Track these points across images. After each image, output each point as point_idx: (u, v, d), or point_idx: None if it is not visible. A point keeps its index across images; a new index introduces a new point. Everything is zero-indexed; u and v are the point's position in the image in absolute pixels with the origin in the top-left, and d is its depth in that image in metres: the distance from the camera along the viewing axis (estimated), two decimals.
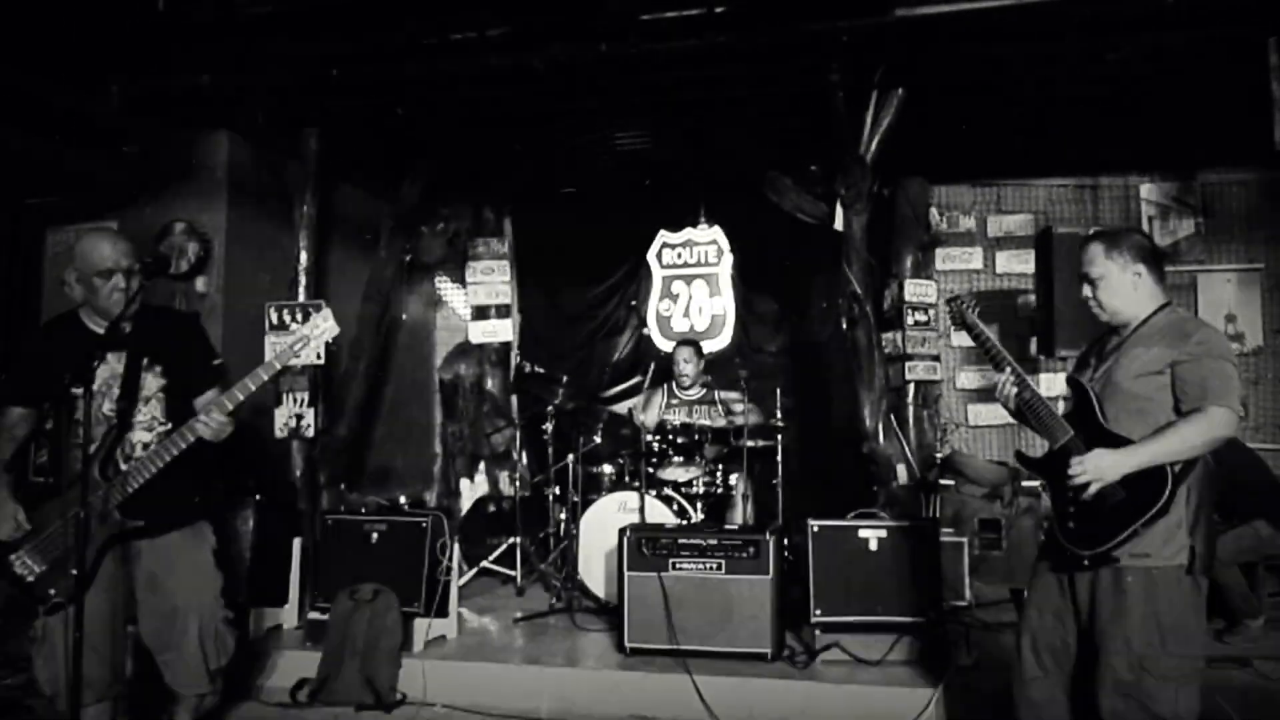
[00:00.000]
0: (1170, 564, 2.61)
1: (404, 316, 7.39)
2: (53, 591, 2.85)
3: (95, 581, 2.90)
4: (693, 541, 4.35)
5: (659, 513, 5.18)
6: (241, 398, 2.92)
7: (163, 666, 3.07)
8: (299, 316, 5.50)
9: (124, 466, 2.94)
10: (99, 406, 2.95)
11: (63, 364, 2.85)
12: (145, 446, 2.98)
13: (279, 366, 2.98)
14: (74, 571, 2.71)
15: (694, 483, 5.58)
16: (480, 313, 7.52)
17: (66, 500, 2.87)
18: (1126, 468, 2.62)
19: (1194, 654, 2.66)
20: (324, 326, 3.01)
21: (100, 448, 2.91)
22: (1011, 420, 3.08)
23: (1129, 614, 2.60)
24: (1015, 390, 2.91)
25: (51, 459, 3.04)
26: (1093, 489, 2.66)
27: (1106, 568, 2.65)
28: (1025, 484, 5.49)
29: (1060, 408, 2.87)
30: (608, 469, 5.83)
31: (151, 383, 3.02)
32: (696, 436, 5.65)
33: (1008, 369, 2.94)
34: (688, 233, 7.66)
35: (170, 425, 3.00)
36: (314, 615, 4.57)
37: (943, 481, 5.53)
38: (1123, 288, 2.79)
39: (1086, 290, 2.86)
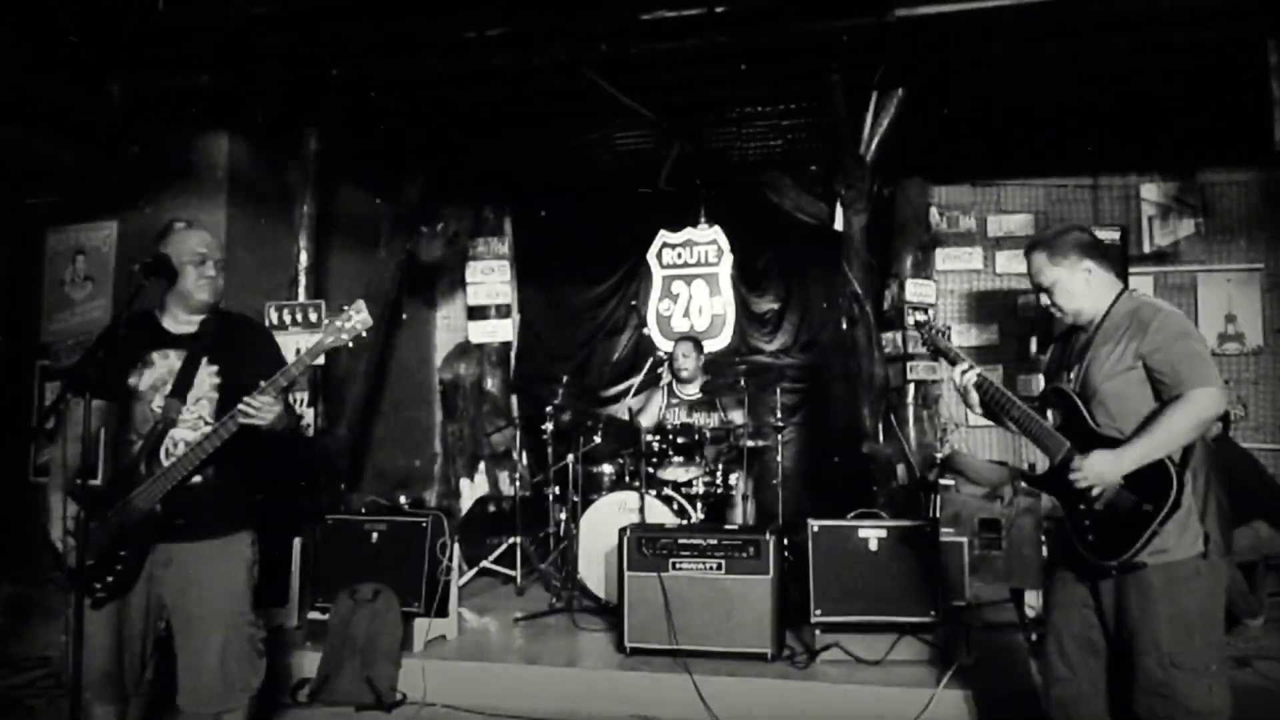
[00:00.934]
0: (1189, 555, 2.61)
1: (404, 316, 7.39)
2: (97, 585, 2.83)
3: (138, 577, 2.89)
4: (693, 541, 4.35)
5: (659, 513, 5.18)
6: (284, 383, 2.89)
7: (179, 677, 2.98)
8: (299, 316, 5.51)
9: (165, 463, 2.90)
10: (150, 403, 2.94)
11: (127, 359, 2.91)
12: (188, 444, 2.93)
13: (310, 361, 2.97)
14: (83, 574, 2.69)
15: (694, 483, 5.58)
16: (480, 313, 7.51)
17: (112, 496, 2.87)
18: (1125, 466, 2.61)
19: (1219, 642, 2.67)
20: (358, 319, 2.97)
21: (145, 444, 2.90)
22: None
23: (1155, 613, 2.59)
24: (995, 404, 2.92)
25: (111, 455, 3.00)
26: (1095, 492, 2.65)
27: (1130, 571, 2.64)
28: (1025, 484, 5.49)
29: (1050, 419, 2.86)
30: (608, 469, 5.83)
31: (205, 381, 2.99)
32: (696, 436, 5.64)
33: (997, 395, 2.93)
34: (688, 233, 7.67)
35: None
36: (314, 615, 4.57)
37: (943, 481, 5.52)
38: (1077, 288, 2.80)
39: (1044, 299, 2.87)
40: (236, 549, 3.04)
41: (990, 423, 3.32)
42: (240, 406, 2.83)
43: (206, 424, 2.95)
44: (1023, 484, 5.05)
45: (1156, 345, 2.63)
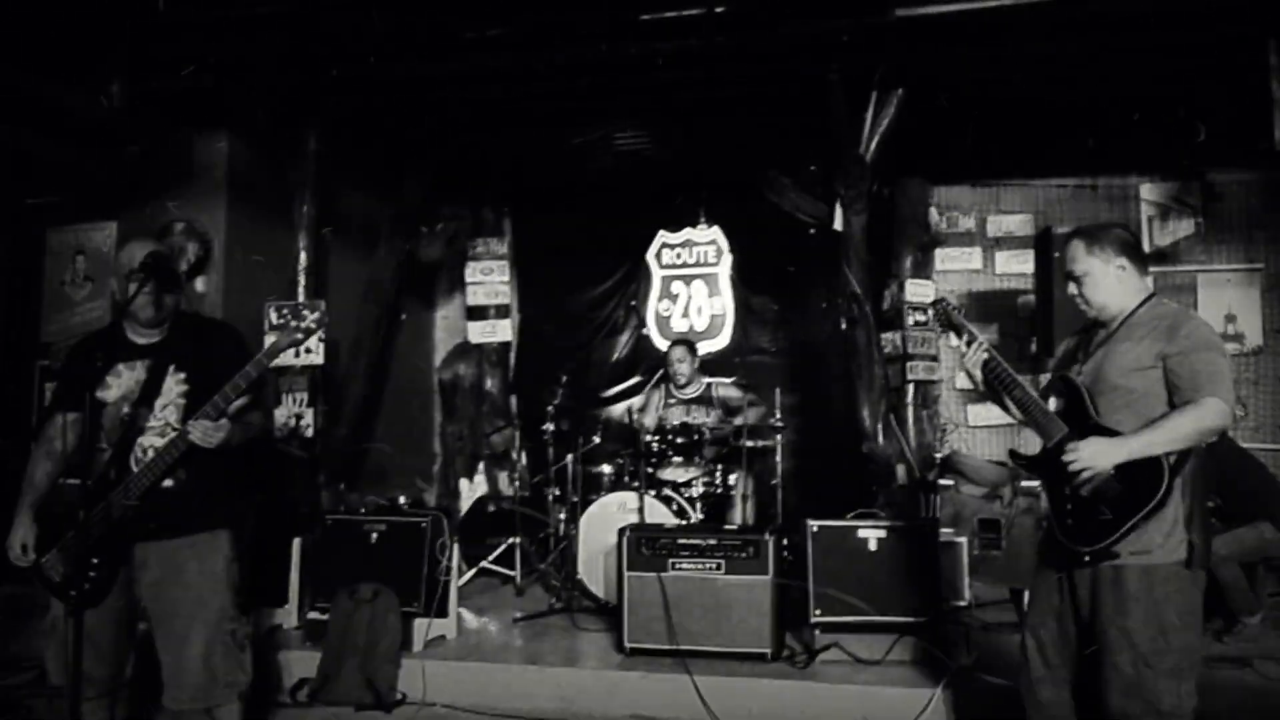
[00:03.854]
0: (1170, 560, 2.63)
1: (404, 316, 7.39)
2: (73, 593, 2.84)
3: (115, 581, 2.93)
4: (692, 541, 4.34)
5: (658, 513, 5.18)
6: (223, 405, 2.89)
7: (163, 675, 3.02)
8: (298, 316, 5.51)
9: (134, 469, 2.95)
10: (119, 413, 2.98)
11: (94, 372, 2.94)
12: (156, 450, 2.97)
13: (267, 364, 2.97)
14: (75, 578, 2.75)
15: (693, 483, 5.57)
16: (479, 313, 7.52)
17: (85, 504, 2.88)
18: (1120, 456, 2.63)
19: (1194, 647, 2.68)
20: (311, 318, 3.00)
21: (115, 452, 2.94)
22: (1011, 420, 3.08)
23: (1131, 612, 2.62)
24: (999, 385, 2.93)
25: (80, 464, 3.01)
26: (1085, 476, 2.66)
27: (1107, 565, 2.66)
28: (1025, 484, 5.48)
29: (1052, 405, 2.87)
30: (607, 469, 5.82)
31: (173, 388, 3.02)
32: (695, 436, 5.64)
33: (1009, 380, 2.93)
34: (687, 233, 7.66)
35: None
36: (314, 615, 4.57)
37: (942, 481, 5.52)
38: (1107, 282, 2.81)
39: (1072, 288, 2.88)
40: (212, 547, 3.06)
41: (989, 423, 3.32)
42: (186, 429, 2.86)
43: (173, 430, 2.98)
44: (1035, 484, 5.04)
45: (1181, 349, 2.65)
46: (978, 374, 2.97)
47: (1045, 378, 6.32)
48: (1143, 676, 2.59)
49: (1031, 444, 2.92)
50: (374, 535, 4.65)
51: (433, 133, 6.40)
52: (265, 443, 5.63)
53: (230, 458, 3.11)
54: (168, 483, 2.96)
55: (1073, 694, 2.81)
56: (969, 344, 3.00)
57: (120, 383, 3.01)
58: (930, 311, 3.43)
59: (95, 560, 2.88)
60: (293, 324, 2.99)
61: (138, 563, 2.99)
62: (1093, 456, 2.65)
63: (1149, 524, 2.60)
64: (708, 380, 6.36)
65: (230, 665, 3.04)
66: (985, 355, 2.95)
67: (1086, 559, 2.68)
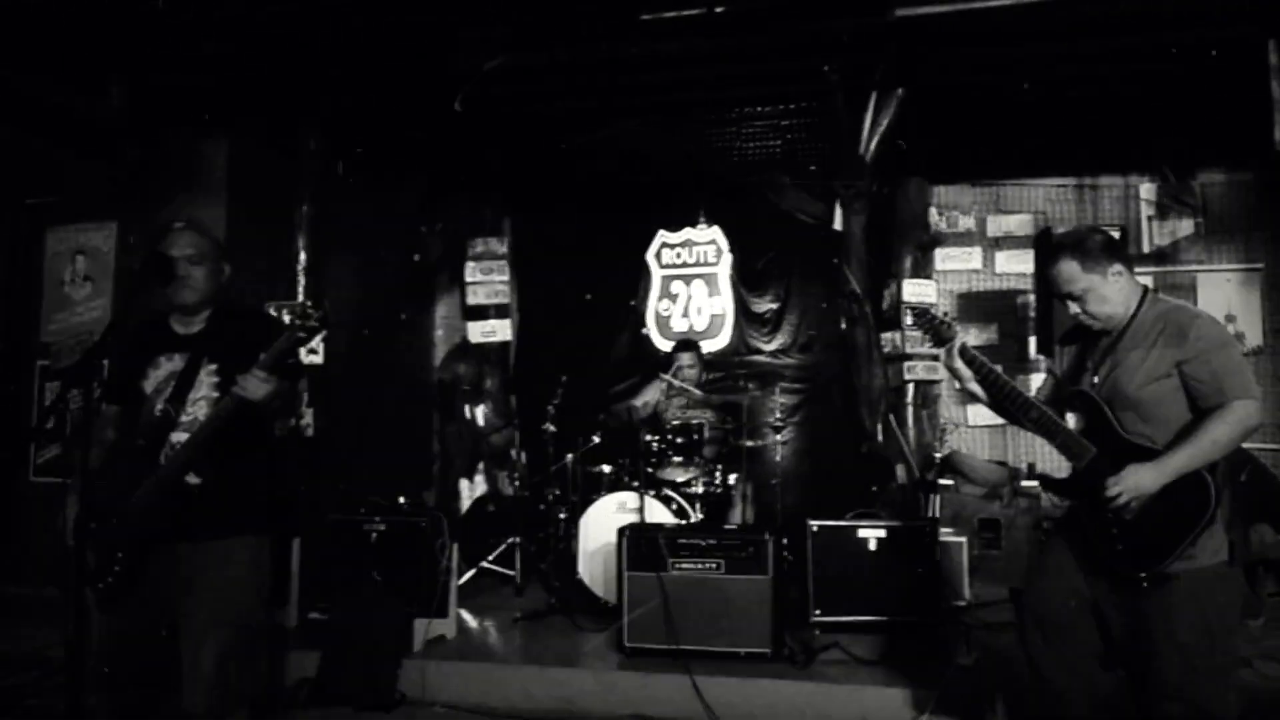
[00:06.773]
0: (1214, 561, 2.58)
1: (403, 316, 7.39)
2: (99, 586, 2.85)
3: (140, 579, 2.90)
4: (692, 541, 4.35)
5: (658, 513, 5.18)
6: (271, 360, 2.82)
7: (183, 677, 2.94)
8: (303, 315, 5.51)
9: (164, 464, 2.91)
10: (155, 406, 2.94)
11: (138, 363, 2.95)
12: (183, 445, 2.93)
13: (270, 362, 2.86)
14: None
15: (693, 482, 5.57)
16: (479, 313, 7.52)
17: (114, 498, 2.87)
18: (1165, 479, 2.56)
19: (1237, 647, 2.68)
20: (315, 315, 2.91)
21: (147, 447, 2.91)
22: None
23: (1178, 618, 2.56)
24: (1000, 398, 2.87)
25: (120, 459, 3.00)
26: (1133, 505, 2.59)
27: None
28: (1024, 484, 5.49)
29: (1072, 423, 2.79)
30: (607, 469, 5.82)
31: (205, 382, 2.98)
32: (695, 436, 5.64)
33: (1010, 392, 2.86)
34: (687, 233, 7.66)
35: None
36: (314, 615, 4.57)
37: (942, 481, 5.53)
38: (1110, 293, 2.73)
39: (1074, 307, 2.78)
40: (241, 553, 2.99)
41: (989, 423, 3.30)
42: (237, 387, 2.79)
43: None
44: (1035, 484, 5.03)
45: (1197, 353, 2.59)
46: (960, 366, 2.86)
47: (1035, 378, 6.34)
48: (1192, 682, 2.54)
49: (1031, 446, 2.90)
50: (374, 535, 4.66)
51: (433, 133, 6.40)
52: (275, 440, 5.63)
53: (256, 460, 3.08)
54: (193, 479, 2.90)
55: (1087, 687, 2.73)
56: (948, 345, 2.92)
57: (158, 374, 2.97)
58: (910, 318, 3.34)
59: (120, 555, 2.85)
60: (297, 323, 2.97)
61: (166, 561, 2.93)
62: (1137, 486, 2.57)
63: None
64: (708, 376, 6.36)
65: (244, 676, 2.99)
66: (959, 344, 2.85)
67: (1145, 584, 2.59)
